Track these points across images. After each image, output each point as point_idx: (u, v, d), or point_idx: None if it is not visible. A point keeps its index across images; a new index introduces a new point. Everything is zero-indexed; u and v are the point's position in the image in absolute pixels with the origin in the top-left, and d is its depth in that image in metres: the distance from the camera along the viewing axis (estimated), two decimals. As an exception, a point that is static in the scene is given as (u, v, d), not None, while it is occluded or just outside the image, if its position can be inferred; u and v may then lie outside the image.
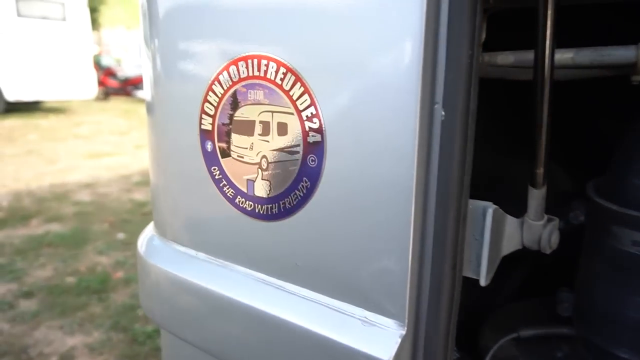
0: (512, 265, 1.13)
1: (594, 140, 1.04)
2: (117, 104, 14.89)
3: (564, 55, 0.72)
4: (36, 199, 5.32)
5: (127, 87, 15.88)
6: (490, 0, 0.65)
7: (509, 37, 0.82)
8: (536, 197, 0.63)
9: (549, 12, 0.52)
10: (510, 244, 0.65)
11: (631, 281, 0.79)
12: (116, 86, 15.96)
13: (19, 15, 11.11)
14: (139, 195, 5.57)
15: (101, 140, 8.85)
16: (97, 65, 15.75)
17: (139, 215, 4.92)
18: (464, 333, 0.86)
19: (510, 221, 0.64)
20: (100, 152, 7.75)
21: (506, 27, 0.85)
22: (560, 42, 0.74)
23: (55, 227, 4.54)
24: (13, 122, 10.33)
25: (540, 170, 0.60)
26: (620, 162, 0.82)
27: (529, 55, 0.69)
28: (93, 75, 13.02)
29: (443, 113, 0.51)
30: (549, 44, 0.54)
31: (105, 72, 16.08)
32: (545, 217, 0.66)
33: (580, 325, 0.90)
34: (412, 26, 0.51)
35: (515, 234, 0.66)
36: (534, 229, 0.66)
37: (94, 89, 13.13)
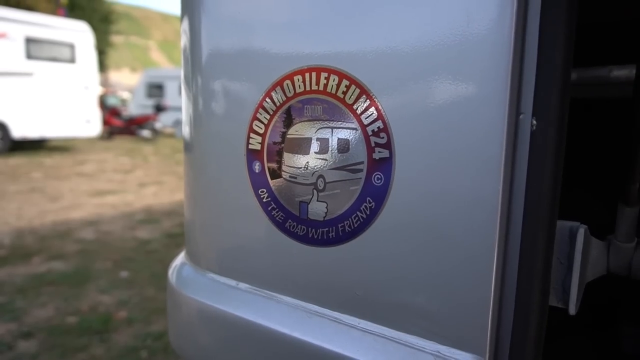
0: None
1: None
2: (121, 142, 15.01)
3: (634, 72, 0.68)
4: (38, 236, 5.24)
5: (131, 126, 16.07)
6: None
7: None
8: (628, 216, 0.58)
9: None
10: (595, 270, 0.59)
11: None
12: (120, 125, 16.16)
13: (28, 57, 11.41)
14: (143, 233, 5.49)
15: (105, 178, 8.84)
16: (103, 105, 16.02)
17: (142, 254, 4.83)
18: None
19: (596, 244, 0.59)
20: (104, 190, 7.72)
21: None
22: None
23: (57, 265, 4.45)
24: (17, 161, 10.36)
25: (636, 186, 0.55)
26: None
27: (598, 72, 0.66)
28: (97, 115, 13.23)
29: (535, 122, 0.47)
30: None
31: (110, 112, 16.32)
32: (636, 239, 0.61)
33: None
34: (498, 23, 0.48)
35: (601, 258, 0.60)
36: (624, 252, 0.60)
37: (98, 128, 13.30)
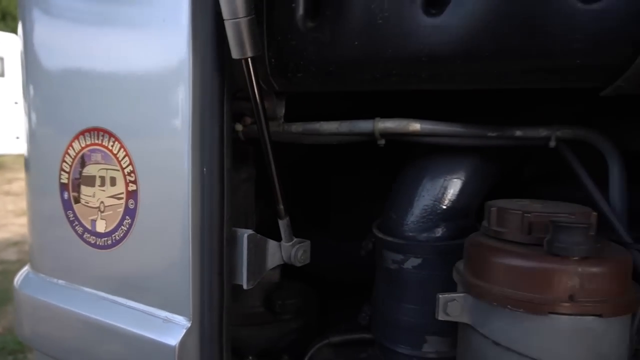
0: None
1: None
2: (55, 159, 14.56)
3: (332, 126, 1.01)
4: (-43, 258, 5.14)
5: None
6: (276, 87, 0.94)
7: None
8: (283, 225, 0.90)
9: (257, 97, 0.80)
10: (274, 260, 0.91)
11: (397, 291, 1.06)
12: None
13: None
14: (68, 251, 5.51)
15: (34, 196, 8.64)
16: (36, 120, 15.50)
17: (65, 271, 4.87)
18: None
19: (272, 243, 0.91)
20: (31, 209, 7.57)
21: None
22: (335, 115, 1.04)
23: (-25, 287, 4.41)
24: (-62, 180, 9.91)
25: (281, 207, 0.87)
26: (387, 202, 1.11)
27: (313, 126, 0.99)
28: (29, 131, 12.85)
29: (205, 169, 0.78)
30: (262, 116, 0.82)
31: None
32: (295, 239, 0.93)
33: (374, 330, 1.15)
34: (182, 110, 0.79)
35: (277, 252, 0.92)
36: (286, 248, 0.92)
37: (30, 145, 12.92)
